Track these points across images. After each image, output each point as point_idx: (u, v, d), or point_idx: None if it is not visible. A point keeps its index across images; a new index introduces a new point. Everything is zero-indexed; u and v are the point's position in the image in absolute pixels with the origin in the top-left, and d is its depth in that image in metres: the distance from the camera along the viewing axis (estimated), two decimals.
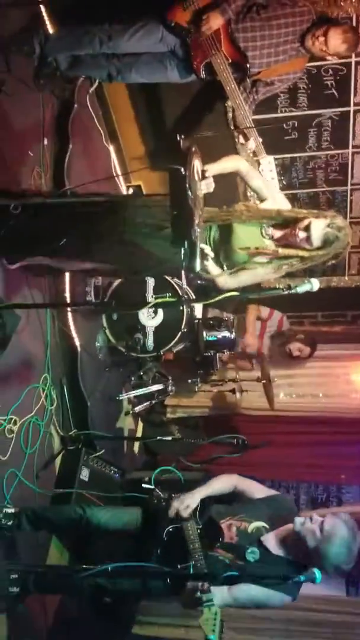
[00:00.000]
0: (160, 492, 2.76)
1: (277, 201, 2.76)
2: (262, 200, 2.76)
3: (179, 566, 2.36)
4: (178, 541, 2.50)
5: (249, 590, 2.34)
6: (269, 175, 3.43)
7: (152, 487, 2.79)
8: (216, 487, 2.72)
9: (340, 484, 4.91)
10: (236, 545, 2.47)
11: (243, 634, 4.05)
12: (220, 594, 2.29)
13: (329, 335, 5.18)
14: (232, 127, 3.49)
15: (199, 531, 2.51)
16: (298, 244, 2.61)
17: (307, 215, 2.61)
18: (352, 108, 4.13)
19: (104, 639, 3.60)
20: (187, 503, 2.59)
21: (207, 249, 2.65)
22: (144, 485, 2.84)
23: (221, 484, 2.75)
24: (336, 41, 3.26)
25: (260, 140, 3.54)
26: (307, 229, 2.56)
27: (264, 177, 2.98)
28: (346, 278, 5.11)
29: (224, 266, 2.76)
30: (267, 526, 2.54)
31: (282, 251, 2.65)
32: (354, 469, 4.79)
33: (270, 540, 2.50)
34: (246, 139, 3.49)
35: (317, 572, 2.05)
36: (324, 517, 2.42)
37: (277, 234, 2.72)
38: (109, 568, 1.95)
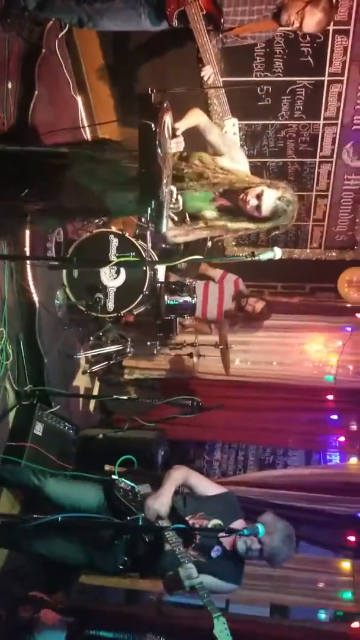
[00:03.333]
0: (124, 483, 2.74)
1: (235, 158, 2.75)
2: (219, 155, 2.74)
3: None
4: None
5: (207, 579, 2.51)
6: (233, 138, 3.39)
7: (116, 477, 2.76)
8: (178, 481, 2.77)
9: (287, 447, 5.08)
10: (201, 543, 2.59)
11: None
12: None
13: (287, 305, 5.25)
14: (204, 83, 3.39)
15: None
16: (247, 210, 2.61)
17: (260, 184, 2.61)
18: (326, 78, 4.12)
19: (50, 588, 3.67)
20: (164, 503, 2.62)
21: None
22: (112, 477, 2.79)
23: (179, 476, 2.80)
24: (311, 24, 3.20)
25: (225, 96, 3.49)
26: (259, 197, 2.56)
27: (222, 133, 2.96)
28: (307, 250, 5.18)
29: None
30: (222, 523, 2.65)
31: (230, 225, 2.66)
32: (301, 434, 4.97)
33: (226, 538, 2.62)
34: (203, 65, 3.39)
35: (260, 527, 2.16)
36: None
37: (220, 201, 2.73)
38: (59, 518, 1.95)
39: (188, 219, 2.86)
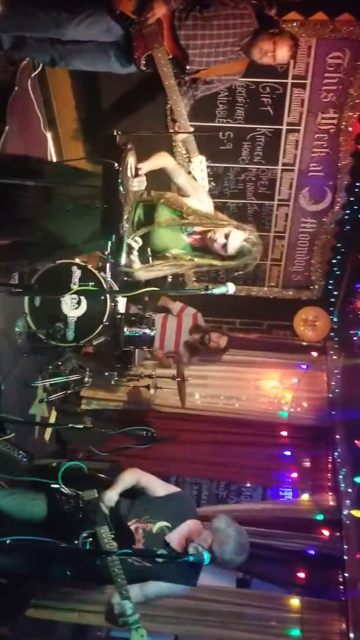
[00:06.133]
0: (67, 490, 2.73)
1: (201, 200, 2.90)
2: (186, 196, 2.89)
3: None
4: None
5: (156, 587, 2.55)
6: (200, 174, 3.49)
7: (59, 485, 2.74)
8: (126, 482, 2.78)
9: (240, 483, 5.13)
10: (144, 548, 2.59)
11: None
12: (132, 592, 2.41)
13: (245, 341, 5.38)
14: (169, 125, 3.54)
15: (112, 536, 2.53)
16: (214, 248, 2.76)
17: (227, 225, 2.77)
18: (284, 127, 4.36)
19: None
20: (111, 499, 2.66)
21: (135, 244, 2.73)
22: (51, 486, 2.77)
23: (129, 478, 2.81)
24: (283, 55, 3.33)
25: (193, 135, 3.58)
26: (227, 236, 2.72)
27: (188, 176, 3.12)
28: (265, 289, 5.35)
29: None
30: (169, 525, 2.65)
31: (197, 260, 2.81)
32: (255, 469, 5.03)
33: (174, 540, 2.63)
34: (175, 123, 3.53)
35: (205, 554, 2.20)
36: (209, 535, 2.59)
37: (195, 237, 2.86)
38: (7, 541, 1.97)
39: (150, 258, 2.96)
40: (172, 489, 2.88)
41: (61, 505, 2.70)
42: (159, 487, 2.83)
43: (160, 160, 2.83)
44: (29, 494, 2.89)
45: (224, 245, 2.74)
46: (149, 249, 2.91)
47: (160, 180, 3.06)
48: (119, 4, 3.24)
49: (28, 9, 3.33)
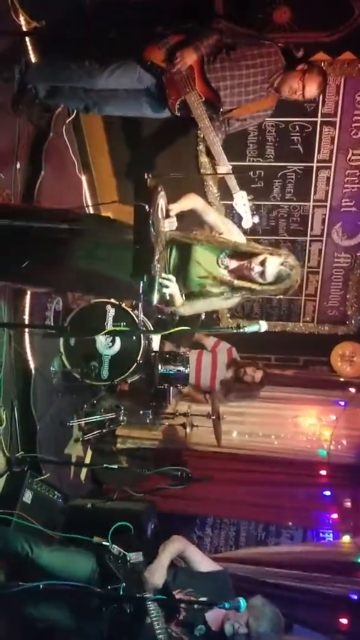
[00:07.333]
0: (116, 550, 2.73)
1: (234, 235, 2.92)
2: (219, 234, 2.92)
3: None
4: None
5: None
6: (242, 209, 3.53)
7: (109, 544, 2.73)
8: (173, 552, 2.79)
9: (279, 524, 4.99)
10: (185, 620, 2.57)
11: None
12: None
13: (281, 378, 5.30)
14: (201, 165, 3.61)
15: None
16: (252, 277, 2.76)
17: (262, 252, 2.77)
18: (315, 164, 4.39)
19: None
20: (161, 578, 2.65)
21: (171, 283, 2.75)
22: (103, 543, 2.77)
23: (175, 548, 2.81)
24: (312, 90, 3.42)
25: (231, 170, 3.65)
26: (262, 264, 2.72)
27: (218, 214, 3.14)
28: (300, 324, 5.29)
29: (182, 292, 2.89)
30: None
31: (237, 282, 2.80)
32: (294, 510, 4.88)
33: (213, 618, 2.61)
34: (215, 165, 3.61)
35: (242, 601, 2.15)
36: (245, 613, 2.55)
37: (233, 264, 2.87)
38: (40, 585, 1.96)
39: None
40: (214, 565, 2.89)
41: (108, 565, 2.67)
42: (202, 562, 2.86)
43: (190, 202, 2.88)
44: (75, 551, 2.87)
45: (262, 273, 2.74)
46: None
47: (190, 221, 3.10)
48: (149, 54, 3.37)
49: (61, 60, 3.50)
